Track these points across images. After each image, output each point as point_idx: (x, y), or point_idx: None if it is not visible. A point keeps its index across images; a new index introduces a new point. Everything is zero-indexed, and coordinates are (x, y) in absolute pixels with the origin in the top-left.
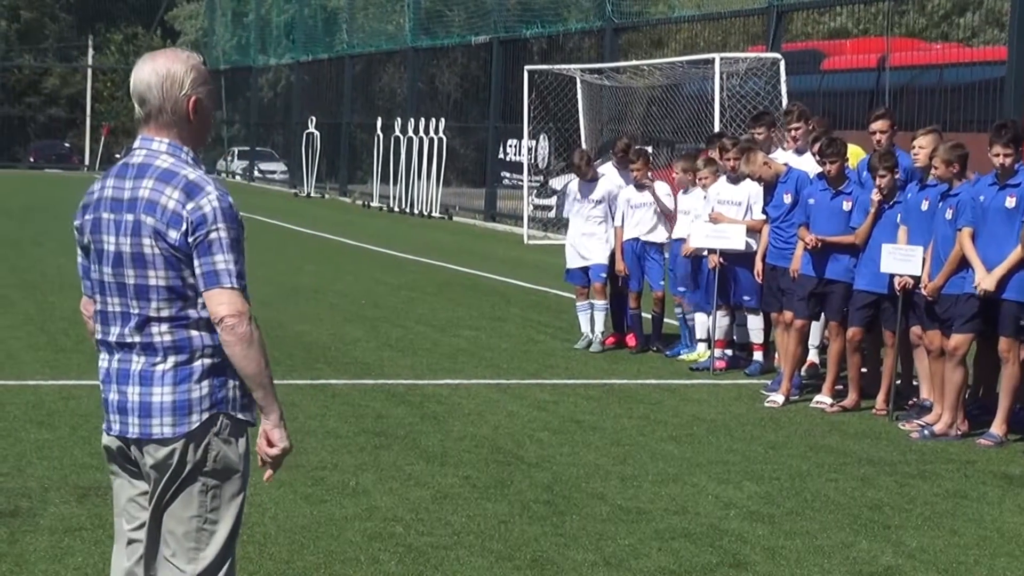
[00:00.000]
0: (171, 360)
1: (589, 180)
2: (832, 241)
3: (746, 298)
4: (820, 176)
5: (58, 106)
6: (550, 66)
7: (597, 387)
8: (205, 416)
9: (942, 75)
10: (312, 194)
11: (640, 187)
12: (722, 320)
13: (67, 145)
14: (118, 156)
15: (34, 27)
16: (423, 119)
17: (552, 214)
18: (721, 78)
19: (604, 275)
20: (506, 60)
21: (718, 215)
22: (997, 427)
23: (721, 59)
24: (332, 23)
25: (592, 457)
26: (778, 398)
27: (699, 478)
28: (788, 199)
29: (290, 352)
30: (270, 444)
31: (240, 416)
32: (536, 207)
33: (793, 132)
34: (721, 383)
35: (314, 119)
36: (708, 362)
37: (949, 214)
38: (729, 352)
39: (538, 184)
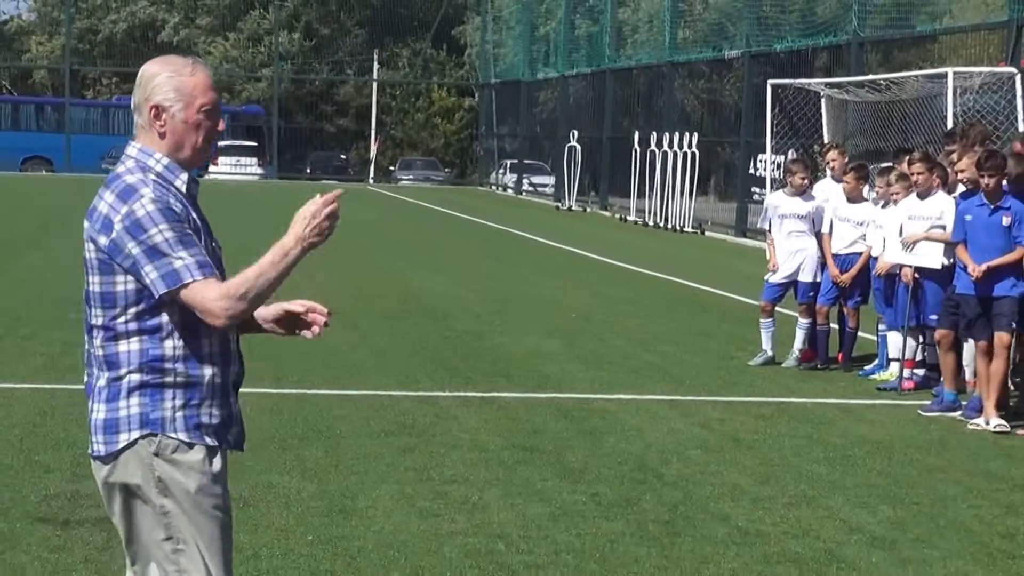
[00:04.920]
0: (105, 376)
1: (798, 194)
2: (996, 264)
3: (932, 317)
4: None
5: (347, 119)
6: (791, 80)
7: (772, 405)
8: (135, 436)
9: None
10: (573, 207)
11: (855, 199)
12: (912, 339)
13: (343, 156)
14: (392, 168)
15: (326, 42)
16: (678, 133)
17: None
18: (955, 93)
19: (812, 294)
20: (756, 74)
21: (927, 234)
22: None
23: (954, 73)
24: (601, 36)
25: (734, 476)
26: (980, 422)
27: (836, 501)
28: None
29: (474, 363)
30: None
31: (183, 438)
32: None
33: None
34: (904, 404)
35: (575, 132)
36: (896, 382)
37: None
38: (920, 372)
39: None
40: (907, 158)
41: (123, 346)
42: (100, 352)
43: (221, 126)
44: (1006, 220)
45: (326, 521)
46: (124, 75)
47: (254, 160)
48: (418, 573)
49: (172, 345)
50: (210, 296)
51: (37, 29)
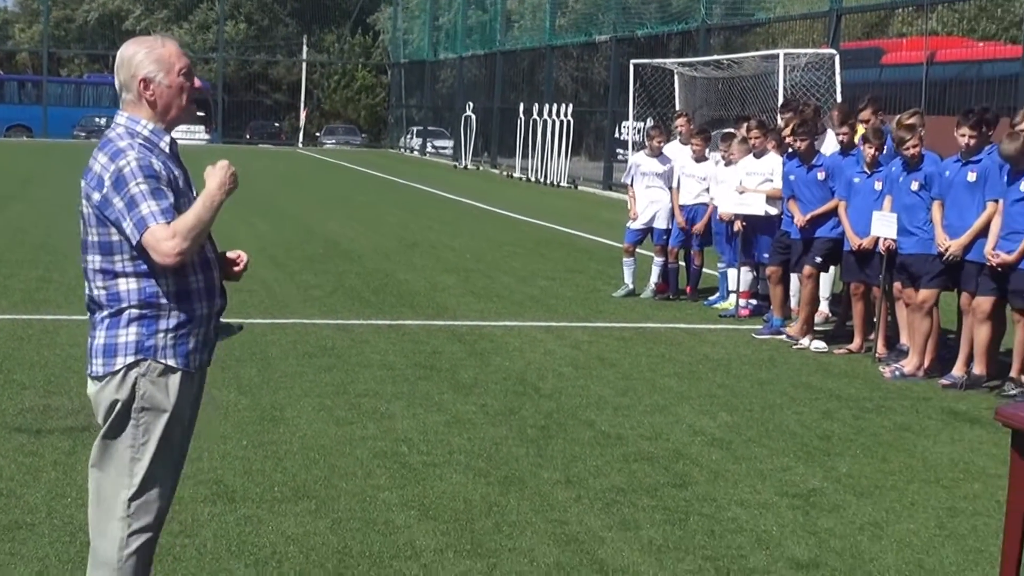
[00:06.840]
0: (107, 310)
1: (655, 156)
2: (818, 214)
3: (766, 256)
4: (794, 154)
5: (280, 93)
6: (650, 60)
7: (631, 330)
8: (129, 359)
9: (980, 70)
10: (468, 166)
11: (700, 159)
12: (747, 274)
13: (276, 124)
14: (317, 134)
15: (264, 29)
16: (556, 104)
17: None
18: (785, 71)
19: (665, 238)
20: (621, 55)
21: (743, 188)
22: (957, 369)
23: (785, 55)
24: (492, 23)
25: (599, 389)
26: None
27: (683, 409)
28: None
29: (384, 297)
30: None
31: (168, 362)
32: None
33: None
34: (740, 328)
35: (471, 104)
36: (734, 310)
37: (915, 186)
38: (753, 302)
39: None
40: (745, 124)
41: (123, 285)
42: (102, 291)
43: (197, 83)
44: (821, 175)
45: (258, 429)
46: (94, 56)
47: (202, 128)
48: (334, 471)
49: (165, 282)
50: (162, 236)
51: (20, 18)
